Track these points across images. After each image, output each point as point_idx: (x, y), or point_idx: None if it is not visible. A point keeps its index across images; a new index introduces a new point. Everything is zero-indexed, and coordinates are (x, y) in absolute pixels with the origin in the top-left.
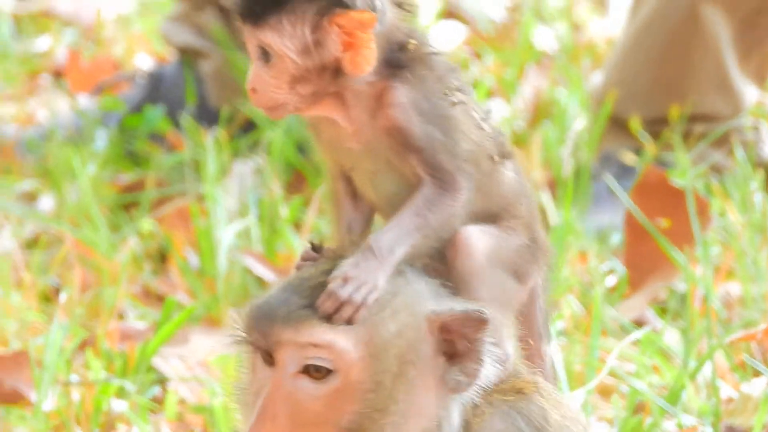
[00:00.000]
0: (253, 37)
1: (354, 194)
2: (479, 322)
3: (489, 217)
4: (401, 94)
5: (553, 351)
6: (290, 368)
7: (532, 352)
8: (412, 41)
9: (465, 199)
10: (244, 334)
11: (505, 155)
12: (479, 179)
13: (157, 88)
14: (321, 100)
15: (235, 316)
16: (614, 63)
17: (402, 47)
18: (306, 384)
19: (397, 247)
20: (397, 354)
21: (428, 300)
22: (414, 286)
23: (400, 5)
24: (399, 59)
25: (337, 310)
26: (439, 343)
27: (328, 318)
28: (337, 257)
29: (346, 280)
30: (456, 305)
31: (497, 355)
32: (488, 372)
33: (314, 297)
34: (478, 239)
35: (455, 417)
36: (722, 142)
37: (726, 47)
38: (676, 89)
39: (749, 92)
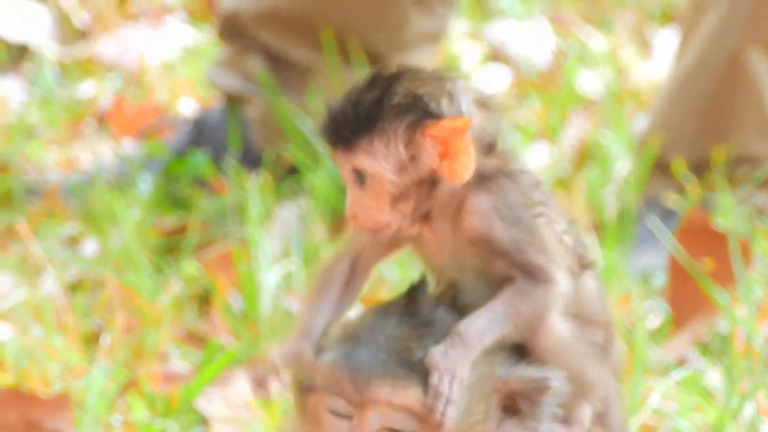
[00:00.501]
0: (345, 161)
1: (350, 281)
2: (544, 387)
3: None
4: (483, 201)
5: None
6: (374, 426)
7: None
8: (499, 139)
9: (561, 291)
10: (325, 385)
11: (585, 266)
12: None
13: (201, 133)
14: (422, 216)
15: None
16: (659, 107)
17: (491, 148)
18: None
19: (486, 335)
20: (472, 424)
21: (500, 367)
22: (491, 358)
23: (484, 105)
24: (484, 168)
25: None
26: (502, 401)
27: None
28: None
29: (440, 373)
30: (524, 371)
31: (559, 417)
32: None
33: (405, 358)
34: (560, 323)
35: None
36: (766, 184)
37: None
38: (719, 132)
39: None
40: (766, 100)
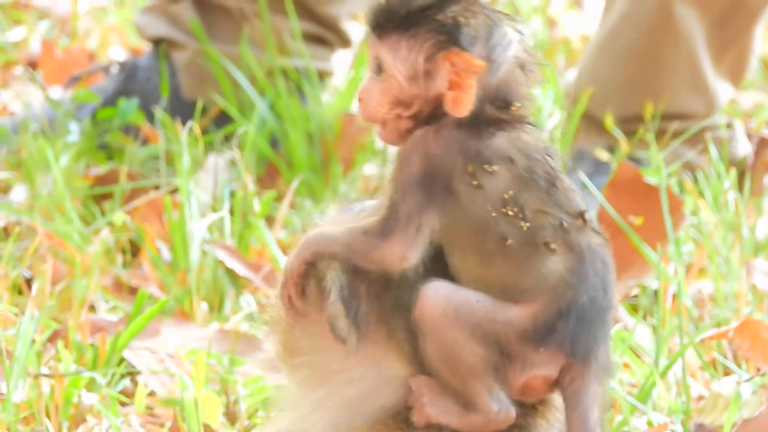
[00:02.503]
0: (373, 47)
1: None
2: (329, 288)
3: (508, 293)
4: (423, 133)
5: None
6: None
7: None
8: (517, 104)
9: (391, 258)
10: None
11: (547, 245)
12: (483, 256)
13: (131, 80)
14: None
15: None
16: (588, 60)
17: (507, 106)
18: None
19: (316, 246)
20: None
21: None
22: None
23: (522, 67)
24: (479, 116)
25: None
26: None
27: None
28: None
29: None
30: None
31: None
32: None
33: None
34: (437, 296)
35: None
36: (696, 140)
37: (700, 45)
38: (650, 87)
39: (723, 90)
40: (696, 55)
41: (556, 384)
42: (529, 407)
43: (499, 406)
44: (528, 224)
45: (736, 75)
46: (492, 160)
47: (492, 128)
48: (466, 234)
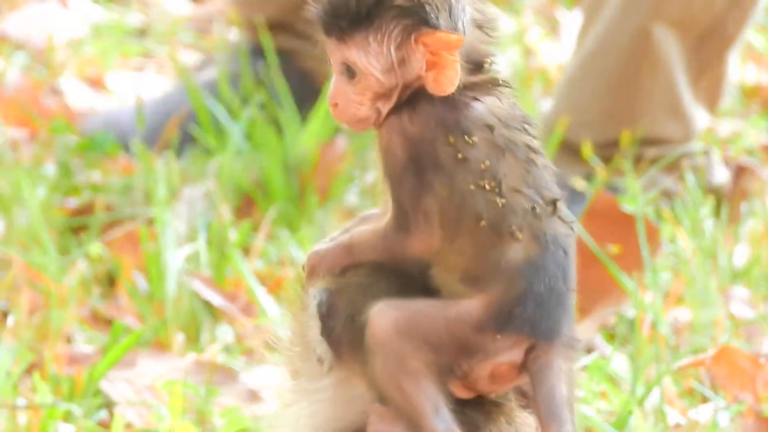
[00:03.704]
0: (337, 52)
1: None
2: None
3: (465, 281)
4: (402, 120)
5: None
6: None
7: None
8: (488, 60)
9: (413, 249)
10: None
11: (512, 234)
12: (466, 244)
13: (107, 112)
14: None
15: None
16: (564, 88)
17: (478, 68)
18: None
19: (324, 264)
20: None
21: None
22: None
23: (480, 27)
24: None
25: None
26: None
27: None
28: None
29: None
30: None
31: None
32: None
33: None
34: (386, 314)
35: None
36: (673, 167)
37: (677, 71)
38: (627, 114)
39: (700, 117)
40: (674, 80)
41: (523, 368)
42: (491, 411)
43: (445, 426)
44: (504, 200)
45: (711, 101)
46: (472, 131)
47: (466, 96)
48: (452, 212)
